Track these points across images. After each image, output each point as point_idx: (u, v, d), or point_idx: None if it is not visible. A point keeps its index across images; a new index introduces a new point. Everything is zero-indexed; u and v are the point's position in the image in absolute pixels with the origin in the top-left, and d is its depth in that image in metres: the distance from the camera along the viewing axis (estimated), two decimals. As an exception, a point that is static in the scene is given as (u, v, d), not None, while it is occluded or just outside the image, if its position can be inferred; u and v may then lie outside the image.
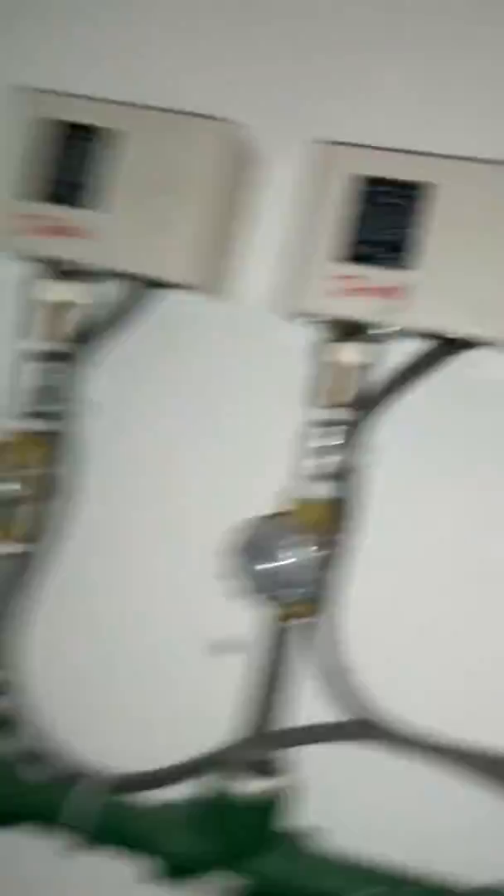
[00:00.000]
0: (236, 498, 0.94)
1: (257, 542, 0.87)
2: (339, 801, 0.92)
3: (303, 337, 0.89)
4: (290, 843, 0.89)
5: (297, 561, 0.85)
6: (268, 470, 0.92)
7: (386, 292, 0.83)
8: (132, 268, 0.88)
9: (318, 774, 0.91)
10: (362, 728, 0.89)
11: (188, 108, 0.90)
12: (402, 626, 0.92)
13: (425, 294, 0.82)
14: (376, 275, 0.83)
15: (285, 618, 0.88)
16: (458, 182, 0.81)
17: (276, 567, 0.85)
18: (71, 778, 0.92)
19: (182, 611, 0.97)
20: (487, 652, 0.90)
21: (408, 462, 0.91)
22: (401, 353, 0.88)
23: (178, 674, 0.97)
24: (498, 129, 0.90)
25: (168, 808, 0.92)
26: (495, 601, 0.90)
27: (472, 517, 0.91)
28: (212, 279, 0.92)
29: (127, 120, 0.88)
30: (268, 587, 0.86)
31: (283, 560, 0.85)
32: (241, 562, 0.87)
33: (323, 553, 0.86)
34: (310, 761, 0.91)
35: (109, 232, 0.88)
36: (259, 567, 0.86)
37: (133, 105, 0.89)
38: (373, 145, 0.85)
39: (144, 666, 0.98)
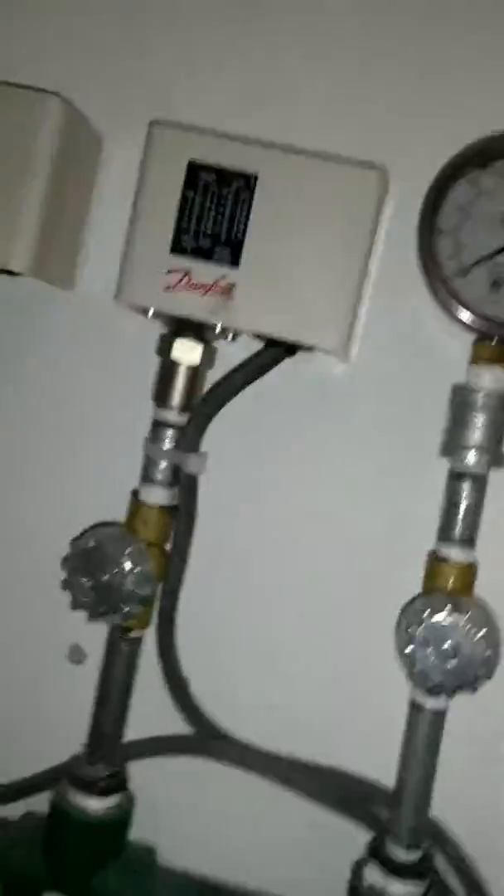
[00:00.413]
0: (81, 499, 0.89)
1: (89, 555, 0.82)
2: (178, 817, 0.89)
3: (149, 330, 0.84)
4: (129, 861, 0.86)
5: (129, 574, 0.81)
6: (114, 471, 0.87)
7: (209, 289, 0.77)
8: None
9: (157, 789, 0.87)
10: (201, 742, 0.86)
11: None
12: (239, 638, 0.88)
13: (244, 294, 0.76)
14: (201, 269, 0.77)
15: (122, 630, 0.84)
16: (276, 173, 0.75)
17: (107, 582, 0.81)
18: None
19: (27, 620, 0.92)
20: (325, 666, 0.86)
21: (241, 467, 0.86)
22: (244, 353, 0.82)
23: (23, 686, 0.93)
24: (333, 119, 0.84)
25: (4, 825, 0.88)
26: (330, 613, 0.86)
27: (304, 523, 0.86)
28: (53, 266, 0.86)
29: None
30: (98, 602, 0.82)
31: (114, 574, 0.81)
32: (72, 575, 0.82)
33: (158, 563, 0.83)
34: (150, 775, 0.88)
35: None
36: (89, 582, 0.82)
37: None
38: (205, 129, 0.79)
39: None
